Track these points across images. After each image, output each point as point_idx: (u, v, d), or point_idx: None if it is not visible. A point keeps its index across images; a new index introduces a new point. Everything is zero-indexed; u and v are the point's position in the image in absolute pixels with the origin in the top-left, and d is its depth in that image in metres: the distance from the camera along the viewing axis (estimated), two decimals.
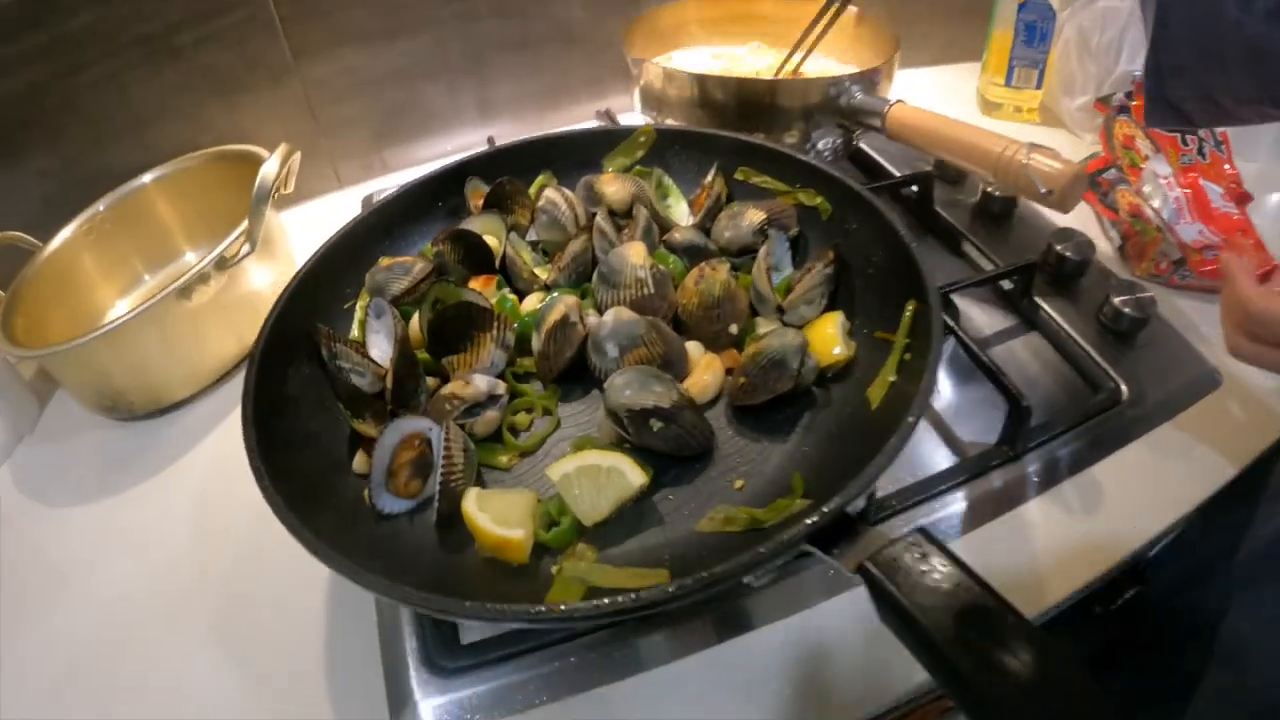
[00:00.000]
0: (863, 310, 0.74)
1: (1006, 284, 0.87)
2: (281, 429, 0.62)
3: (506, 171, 0.88)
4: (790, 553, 0.48)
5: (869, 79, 0.98)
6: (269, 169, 0.81)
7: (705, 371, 0.70)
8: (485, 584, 0.56)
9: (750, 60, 1.14)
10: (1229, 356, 0.62)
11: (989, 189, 0.98)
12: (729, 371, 0.71)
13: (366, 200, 1.08)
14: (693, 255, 0.79)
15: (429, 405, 0.65)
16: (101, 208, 0.92)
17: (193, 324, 0.79)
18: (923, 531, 0.45)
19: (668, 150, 0.91)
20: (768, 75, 1.08)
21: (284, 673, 0.60)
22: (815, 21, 1.04)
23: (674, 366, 0.69)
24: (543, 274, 0.80)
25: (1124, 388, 0.78)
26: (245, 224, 0.80)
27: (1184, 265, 0.87)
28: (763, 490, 0.62)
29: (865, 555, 0.44)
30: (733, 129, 0.88)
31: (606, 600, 0.45)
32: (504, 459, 0.65)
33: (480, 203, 0.86)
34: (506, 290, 0.79)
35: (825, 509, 0.47)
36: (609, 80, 1.24)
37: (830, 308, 0.74)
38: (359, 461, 0.65)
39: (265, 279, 0.86)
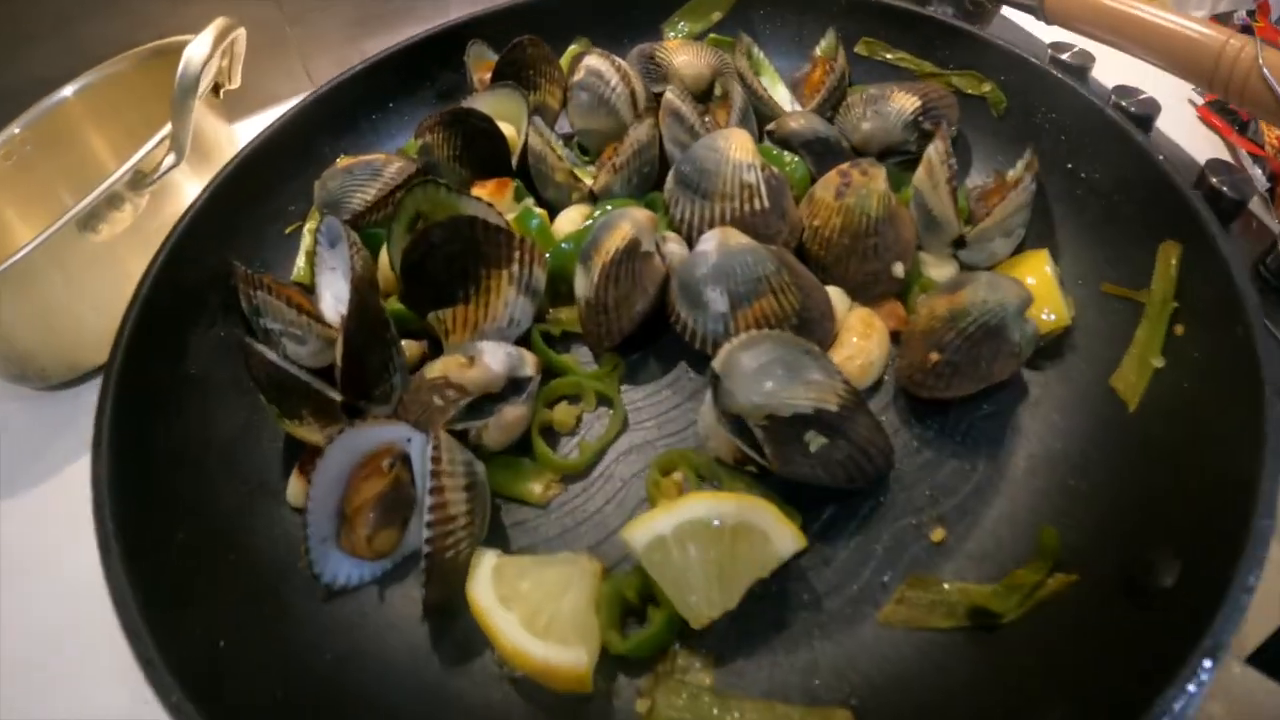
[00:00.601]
0: (1077, 250, 0.49)
1: None
2: (166, 440, 0.40)
3: (526, 34, 0.59)
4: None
5: None
6: (195, 50, 0.57)
7: (864, 337, 0.44)
8: None
9: None
10: None
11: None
12: (894, 337, 0.45)
13: None
14: (818, 154, 0.52)
15: (406, 396, 0.38)
16: (17, 130, 0.75)
17: (107, 262, 0.59)
18: None
19: (752, 9, 0.65)
20: None
21: None
22: None
23: (814, 329, 0.43)
24: (585, 177, 0.52)
25: None
26: (166, 129, 0.58)
27: None
28: (982, 546, 0.37)
29: None
30: None
31: None
32: (537, 488, 0.39)
33: (488, 76, 0.57)
34: (530, 201, 0.52)
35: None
36: None
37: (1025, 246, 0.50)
38: (294, 489, 0.38)
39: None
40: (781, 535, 0.32)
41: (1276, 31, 0.82)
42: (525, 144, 0.53)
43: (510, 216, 0.48)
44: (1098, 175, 0.50)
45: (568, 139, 0.59)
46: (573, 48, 0.64)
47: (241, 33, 0.63)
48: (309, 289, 0.49)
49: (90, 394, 0.59)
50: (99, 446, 0.37)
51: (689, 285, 0.42)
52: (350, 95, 0.58)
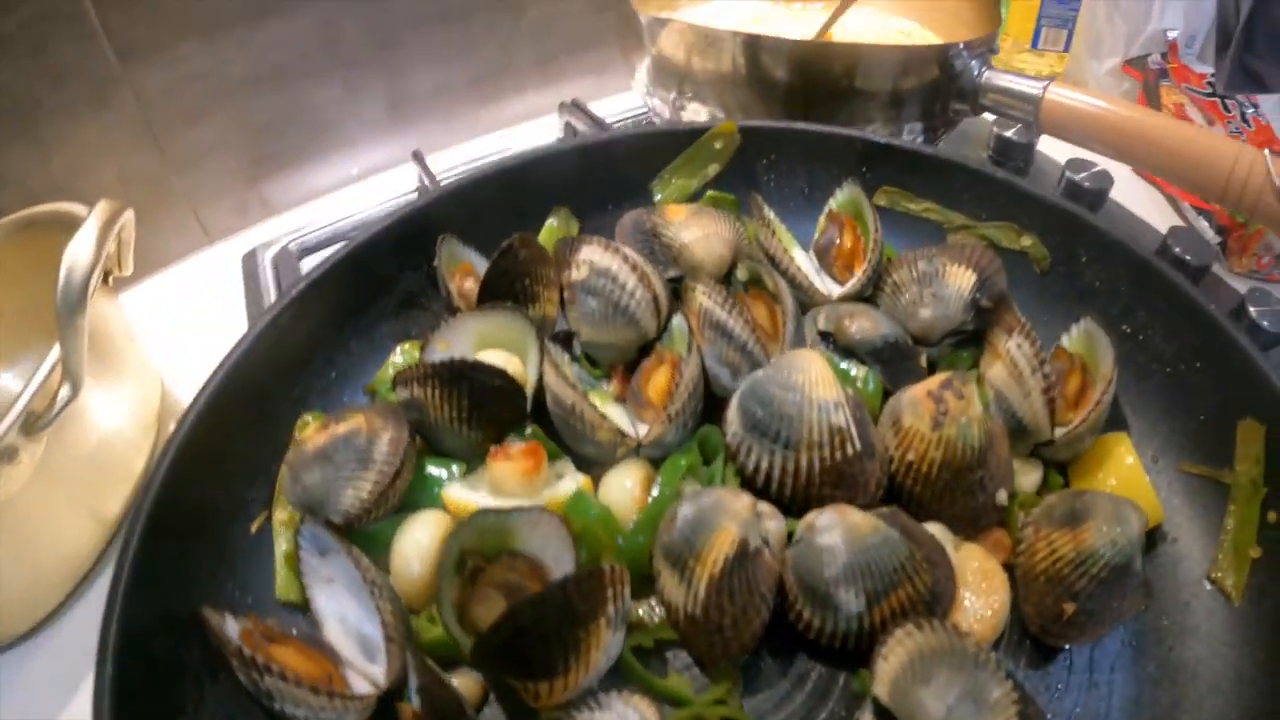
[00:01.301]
0: (1139, 426, 0.49)
1: None
2: None
3: (490, 214, 0.54)
4: None
5: (985, 45, 0.70)
6: (79, 253, 0.48)
7: (986, 593, 0.39)
8: None
9: (786, 21, 0.86)
10: None
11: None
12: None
13: (248, 258, 0.75)
14: (887, 360, 0.47)
15: None
16: None
17: (10, 524, 0.49)
18: None
19: (754, 159, 0.60)
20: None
21: None
22: None
23: (942, 598, 0.38)
24: (619, 419, 0.44)
25: None
26: (55, 352, 0.49)
27: None
28: None
29: None
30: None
31: None
32: None
33: (467, 284, 0.49)
34: (564, 466, 0.43)
35: None
36: (564, 59, 0.98)
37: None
38: None
39: (118, 412, 0.58)
40: None
41: (1188, 70, 0.91)
42: (540, 384, 0.45)
43: (548, 497, 0.40)
44: (1157, 339, 0.49)
45: (564, 340, 0.51)
46: (552, 223, 0.57)
47: (130, 215, 0.55)
48: (302, 609, 0.38)
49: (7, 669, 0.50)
50: None
51: (815, 588, 0.36)
52: (295, 329, 0.47)
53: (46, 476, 0.52)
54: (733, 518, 0.36)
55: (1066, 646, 0.41)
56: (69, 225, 0.58)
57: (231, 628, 0.35)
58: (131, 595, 0.35)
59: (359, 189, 0.85)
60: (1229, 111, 0.87)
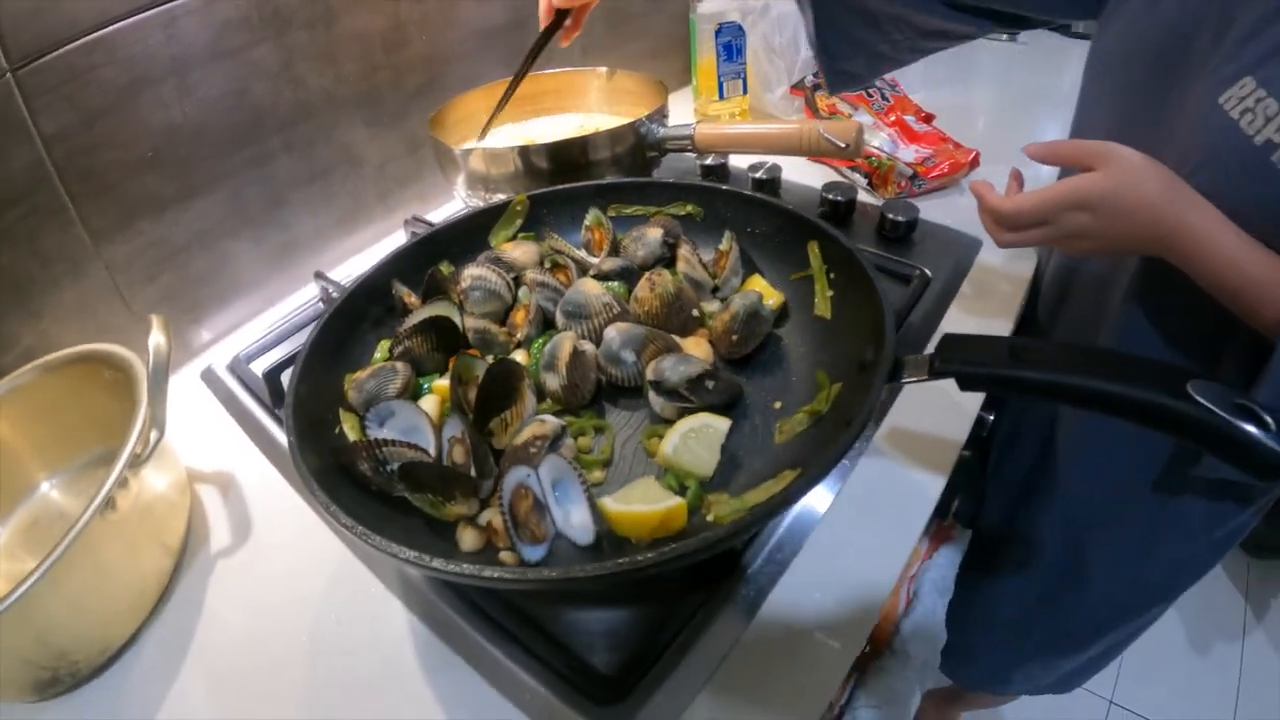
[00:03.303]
0: (769, 267, 0.99)
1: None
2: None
3: (404, 271, 0.98)
4: (878, 398, 0.68)
5: (660, 114, 1.26)
6: (159, 339, 0.75)
7: (696, 348, 0.88)
8: None
9: (541, 133, 1.35)
10: (980, 227, 0.83)
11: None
12: (710, 342, 0.90)
13: (207, 373, 1.07)
14: (624, 276, 0.96)
15: (507, 458, 0.73)
16: None
17: (122, 540, 0.71)
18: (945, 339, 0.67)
19: (539, 213, 1.08)
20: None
21: None
22: (533, 49, 1.16)
23: (675, 352, 0.86)
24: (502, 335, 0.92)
25: (926, 270, 1.13)
26: (143, 411, 0.73)
27: (917, 178, 1.28)
28: (797, 397, 0.82)
29: (926, 367, 0.65)
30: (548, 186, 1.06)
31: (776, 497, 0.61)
32: (598, 474, 0.76)
33: (413, 299, 0.94)
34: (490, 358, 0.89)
35: (895, 357, 0.68)
36: (398, 191, 1.35)
37: (746, 276, 0.98)
38: (468, 540, 0.70)
39: (161, 478, 0.79)
40: (718, 420, 0.75)
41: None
42: (472, 326, 0.90)
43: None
44: (763, 228, 0.99)
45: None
46: (442, 267, 1.03)
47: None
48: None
49: (119, 678, 0.70)
50: None
51: (612, 356, 0.83)
52: (332, 334, 0.86)
53: (139, 509, 0.72)
54: (568, 338, 0.83)
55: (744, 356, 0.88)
56: (102, 358, 0.83)
57: None
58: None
59: (271, 312, 1.18)
60: (871, 96, 1.34)
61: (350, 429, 0.80)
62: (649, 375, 0.79)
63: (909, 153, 1.27)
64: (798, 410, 0.78)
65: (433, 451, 0.75)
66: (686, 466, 0.71)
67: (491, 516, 0.69)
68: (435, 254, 1.02)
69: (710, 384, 0.77)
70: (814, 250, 0.92)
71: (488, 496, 0.72)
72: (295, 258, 1.23)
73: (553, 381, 0.83)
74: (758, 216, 0.96)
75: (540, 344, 0.87)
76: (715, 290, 0.96)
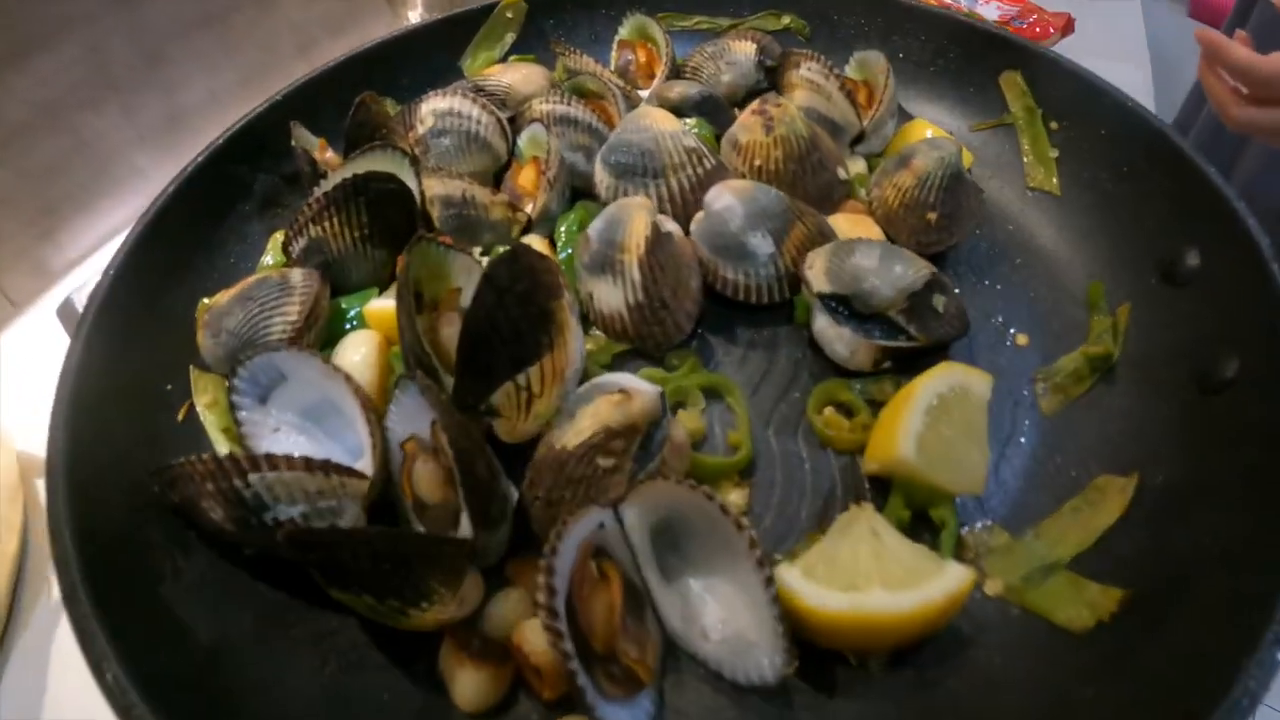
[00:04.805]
0: (931, 111, 0.62)
1: None
2: None
3: (312, 111, 0.57)
4: None
5: None
6: None
7: (865, 229, 0.50)
8: None
9: None
10: None
11: None
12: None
13: (65, 309, 0.65)
14: (708, 112, 0.56)
15: (535, 495, 0.34)
16: None
17: None
18: None
19: (542, 20, 0.68)
20: None
21: None
22: None
23: (831, 236, 0.47)
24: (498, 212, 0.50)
25: None
26: None
27: None
28: (1048, 326, 0.47)
29: None
30: None
31: None
32: (734, 497, 0.38)
33: (329, 155, 0.52)
34: (477, 252, 0.48)
35: None
36: (326, 41, 0.99)
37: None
38: (468, 685, 0.31)
39: None
40: (973, 379, 0.37)
41: None
42: (424, 201, 0.48)
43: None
44: (918, 47, 0.63)
45: None
46: (384, 105, 0.61)
47: None
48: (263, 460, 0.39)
49: None
50: None
51: (727, 242, 0.44)
52: (174, 229, 0.49)
53: None
54: (639, 208, 0.43)
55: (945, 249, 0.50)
56: None
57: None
58: (73, 503, 0.35)
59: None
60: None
61: (207, 409, 0.40)
62: (817, 282, 0.39)
63: (990, 10, 1.00)
64: (1061, 353, 0.44)
65: (369, 468, 0.35)
66: (941, 478, 0.33)
67: (521, 626, 0.31)
68: (368, 84, 0.60)
69: (940, 301, 0.39)
70: (1013, 84, 0.57)
71: (501, 562, 0.34)
72: (184, 135, 0.88)
73: (611, 296, 0.42)
74: (905, 30, 0.64)
75: (573, 222, 0.46)
76: (858, 140, 0.56)
